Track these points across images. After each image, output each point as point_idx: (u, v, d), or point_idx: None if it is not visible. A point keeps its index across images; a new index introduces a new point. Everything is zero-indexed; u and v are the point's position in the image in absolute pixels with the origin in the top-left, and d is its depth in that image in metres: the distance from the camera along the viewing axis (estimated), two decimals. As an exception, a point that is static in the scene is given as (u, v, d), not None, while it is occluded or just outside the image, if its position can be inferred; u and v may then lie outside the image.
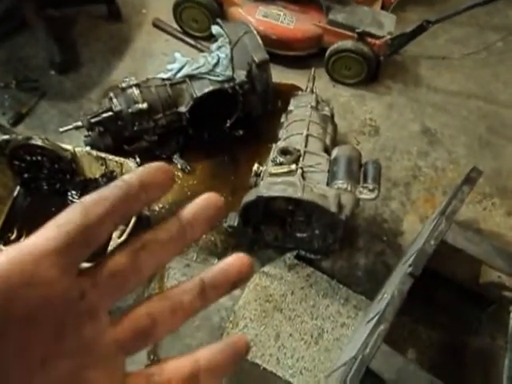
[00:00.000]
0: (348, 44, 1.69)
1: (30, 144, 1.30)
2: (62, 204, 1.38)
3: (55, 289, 0.20)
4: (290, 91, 1.68)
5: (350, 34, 1.70)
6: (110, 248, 1.18)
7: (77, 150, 1.33)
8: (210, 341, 1.28)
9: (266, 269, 1.37)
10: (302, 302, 1.34)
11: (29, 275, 0.19)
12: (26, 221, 1.38)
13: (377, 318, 0.99)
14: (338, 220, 1.20)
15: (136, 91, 1.39)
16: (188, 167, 1.54)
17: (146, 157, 1.53)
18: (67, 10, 1.84)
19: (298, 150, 1.32)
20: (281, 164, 1.30)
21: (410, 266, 1.10)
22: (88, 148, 1.48)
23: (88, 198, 0.21)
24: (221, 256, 1.42)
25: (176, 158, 1.54)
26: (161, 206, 1.48)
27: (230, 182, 1.56)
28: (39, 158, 1.34)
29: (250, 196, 1.22)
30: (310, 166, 1.30)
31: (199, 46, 1.81)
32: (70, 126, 1.42)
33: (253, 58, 1.40)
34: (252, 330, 1.29)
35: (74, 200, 1.32)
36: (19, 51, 1.74)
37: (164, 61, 1.78)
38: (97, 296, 0.21)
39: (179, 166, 1.54)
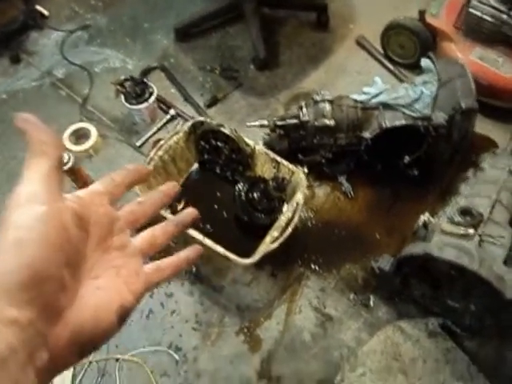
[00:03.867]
0: None
1: (219, 130, 1.39)
2: (228, 190, 1.47)
3: (105, 211, 0.36)
4: (483, 145, 1.52)
5: None
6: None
7: (257, 147, 1.39)
8: (322, 372, 1.25)
9: (402, 324, 1.28)
10: (432, 376, 1.22)
11: (91, 202, 0.35)
12: (194, 196, 1.49)
13: None
14: (509, 308, 1.05)
15: (328, 107, 1.39)
16: (351, 193, 1.50)
17: (314, 170, 1.54)
18: (280, 12, 1.93)
19: (481, 215, 1.19)
20: (457, 224, 1.18)
21: None
22: (264, 146, 1.55)
23: (114, 175, 0.39)
24: (358, 292, 1.36)
25: (342, 180, 1.52)
26: (314, 222, 1.47)
27: (389, 220, 1.48)
28: (222, 144, 1.43)
29: (416, 249, 1.13)
30: (490, 237, 1.16)
31: (397, 72, 1.75)
32: (257, 123, 1.49)
33: (460, 103, 1.29)
34: (369, 382, 1.22)
35: (241, 191, 1.37)
36: (229, 40, 1.88)
37: (356, 79, 1.76)
38: (124, 222, 0.37)
39: (343, 189, 1.51)
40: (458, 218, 1.19)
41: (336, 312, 1.33)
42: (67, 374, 1.24)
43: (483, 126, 1.63)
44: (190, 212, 0.43)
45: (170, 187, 0.43)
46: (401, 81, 1.72)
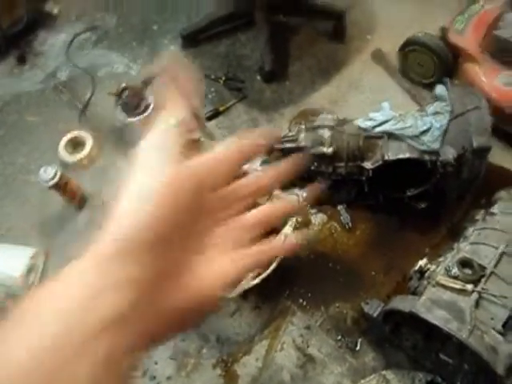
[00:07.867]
0: None
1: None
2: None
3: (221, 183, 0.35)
4: (503, 182, 1.38)
5: None
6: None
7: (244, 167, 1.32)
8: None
9: (389, 375, 1.19)
10: None
11: (211, 172, 0.34)
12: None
13: None
14: (501, 381, 0.95)
15: (327, 133, 1.29)
16: (349, 224, 1.40)
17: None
18: (294, 19, 1.82)
19: (484, 269, 1.08)
20: (455, 277, 1.07)
21: None
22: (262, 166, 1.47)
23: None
24: (345, 333, 1.28)
25: (341, 210, 1.42)
26: (307, 253, 1.39)
27: (387, 257, 1.37)
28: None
29: (402, 304, 1.04)
30: (491, 295, 1.05)
31: (412, 91, 1.61)
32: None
33: (472, 140, 1.16)
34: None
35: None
36: (239, 48, 1.79)
37: (370, 97, 1.64)
38: (235, 196, 0.36)
39: (341, 219, 1.41)
40: (456, 271, 1.08)
41: (319, 353, 1.25)
42: None
43: (507, 158, 1.49)
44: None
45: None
46: (416, 102, 1.59)
